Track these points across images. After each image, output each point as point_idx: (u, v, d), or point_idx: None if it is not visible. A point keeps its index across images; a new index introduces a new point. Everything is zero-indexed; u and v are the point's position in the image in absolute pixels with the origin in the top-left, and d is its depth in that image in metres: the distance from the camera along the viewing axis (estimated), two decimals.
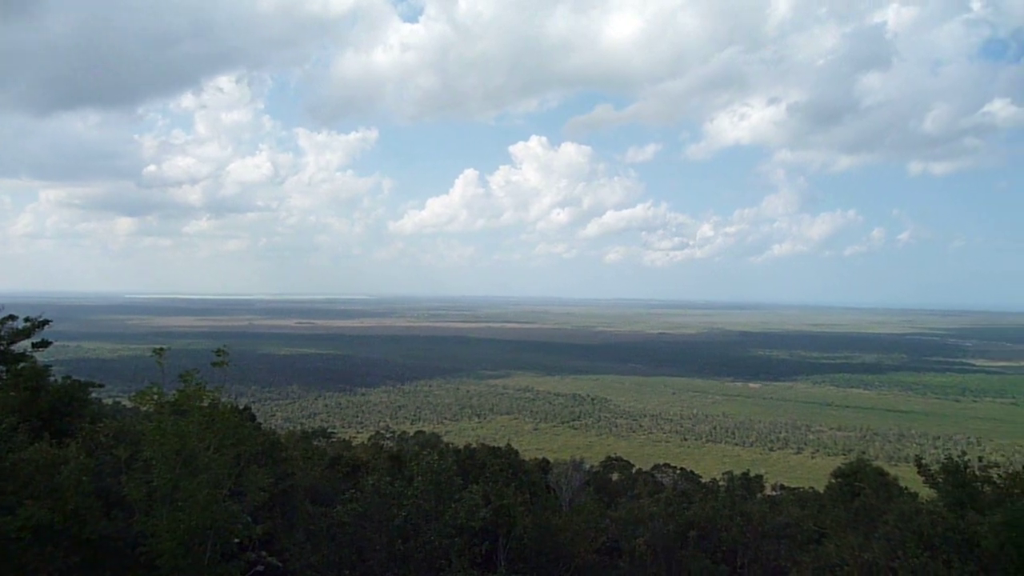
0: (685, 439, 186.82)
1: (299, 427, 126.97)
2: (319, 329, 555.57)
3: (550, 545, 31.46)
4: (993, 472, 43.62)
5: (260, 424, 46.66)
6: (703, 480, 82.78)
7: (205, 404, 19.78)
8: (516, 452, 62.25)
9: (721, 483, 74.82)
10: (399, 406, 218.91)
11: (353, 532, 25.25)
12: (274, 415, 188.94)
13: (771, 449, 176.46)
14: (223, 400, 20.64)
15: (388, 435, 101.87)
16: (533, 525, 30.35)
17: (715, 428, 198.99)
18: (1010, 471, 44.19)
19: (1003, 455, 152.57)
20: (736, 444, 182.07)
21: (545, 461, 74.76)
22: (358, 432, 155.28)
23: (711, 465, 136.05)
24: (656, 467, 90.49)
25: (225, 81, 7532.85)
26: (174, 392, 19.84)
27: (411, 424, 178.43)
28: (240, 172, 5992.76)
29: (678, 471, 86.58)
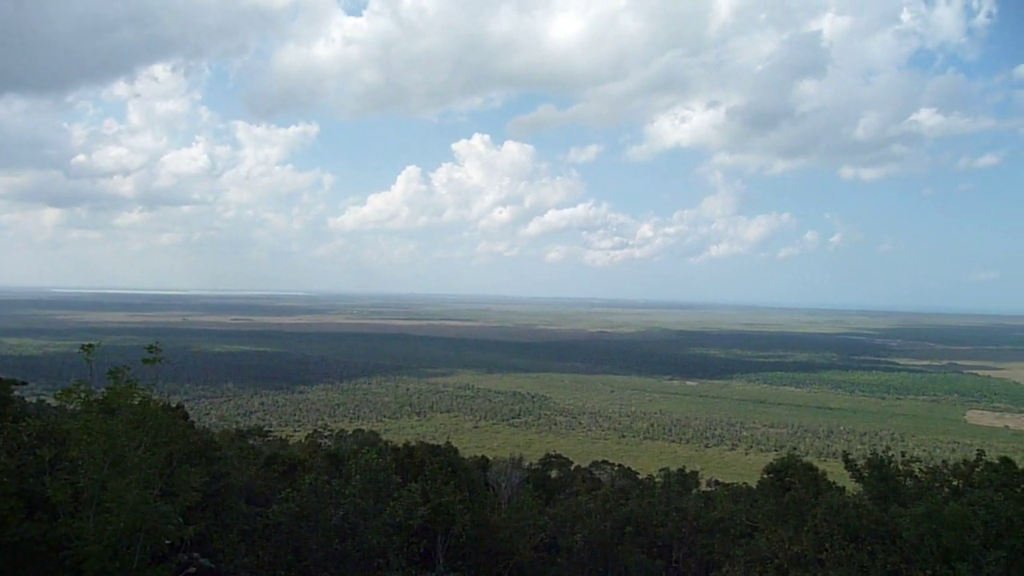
0: (623, 436, 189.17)
1: (234, 426, 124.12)
2: (256, 326, 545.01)
3: (489, 543, 31.59)
4: (915, 467, 45.43)
5: (193, 423, 45.60)
6: (640, 477, 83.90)
7: (136, 402, 19.27)
8: (455, 450, 62.20)
9: (658, 480, 75.96)
10: (338, 404, 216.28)
11: (289, 532, 24.93)
12: (208, 414, 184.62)
13: (707, 445, 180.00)
14: (154, 398, 20.13)
15: (326, 433, 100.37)
16: (472, 523, 30.41)
17: (653, 425, 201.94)
18: (930, 466, 46.04)
19: (924, 450, 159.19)
20: (673, 441, 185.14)
21: (484, 459, 74.86)
22: (295, 431, 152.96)
23: (648, 462, 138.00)
24: (594, 464, 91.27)
25: (161, 70, 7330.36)
26: (103, 390, 19.27)
27: (350, 422, 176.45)
28: (175, 164, 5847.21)
29: (616, 468, 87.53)
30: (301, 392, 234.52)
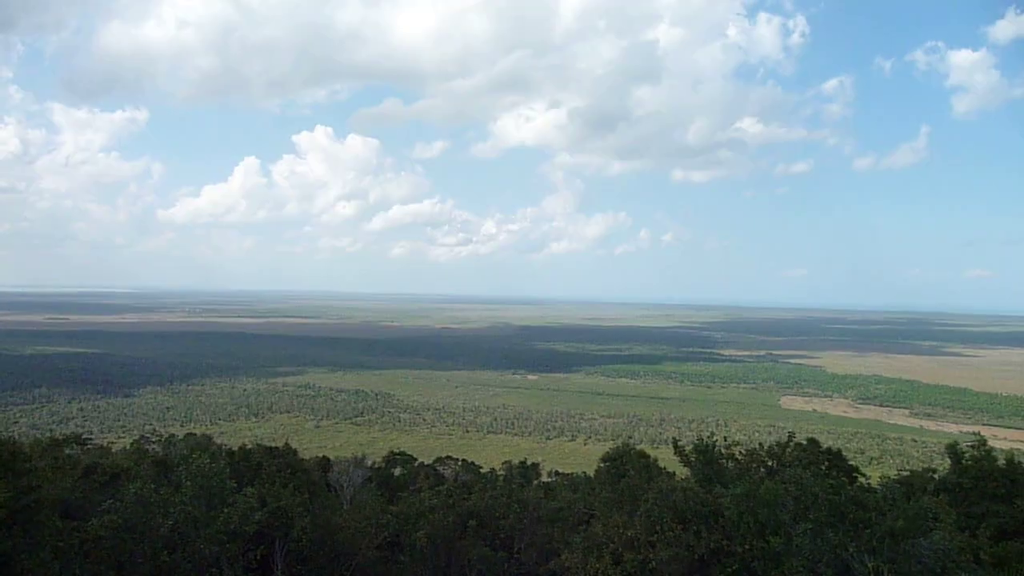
0: (467, 431, 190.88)
1: (48, 434, 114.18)
2: (74, 325, 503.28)
3: (330, 545, 31.00)
4: (736, 450, 49.02)
5: None
6: (484, 471, 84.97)
7: None
8: (295, 451, 60.55)
9: (500, 473, 77.35)
10: (167, 407, 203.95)
11: (112, 546, 23.33)
12: (17, 422, 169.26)
13: (548, 437, 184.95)
14: None
15: (154, 439, 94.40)
16: (312, 525, 29.74)
17: (496, 419, 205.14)
18: (749, 448, 49.90)
19: (745, 434, 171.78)
20: (515, 434, 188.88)
21: (326, 459, 73.43)
22: (119, 437, 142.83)
23: (492, 456, 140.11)
24: (438, 460, 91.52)
25: None
26: None
27: (181, 426, 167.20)
28: None
29: (459, 463, 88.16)
30: (126, 396, 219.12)
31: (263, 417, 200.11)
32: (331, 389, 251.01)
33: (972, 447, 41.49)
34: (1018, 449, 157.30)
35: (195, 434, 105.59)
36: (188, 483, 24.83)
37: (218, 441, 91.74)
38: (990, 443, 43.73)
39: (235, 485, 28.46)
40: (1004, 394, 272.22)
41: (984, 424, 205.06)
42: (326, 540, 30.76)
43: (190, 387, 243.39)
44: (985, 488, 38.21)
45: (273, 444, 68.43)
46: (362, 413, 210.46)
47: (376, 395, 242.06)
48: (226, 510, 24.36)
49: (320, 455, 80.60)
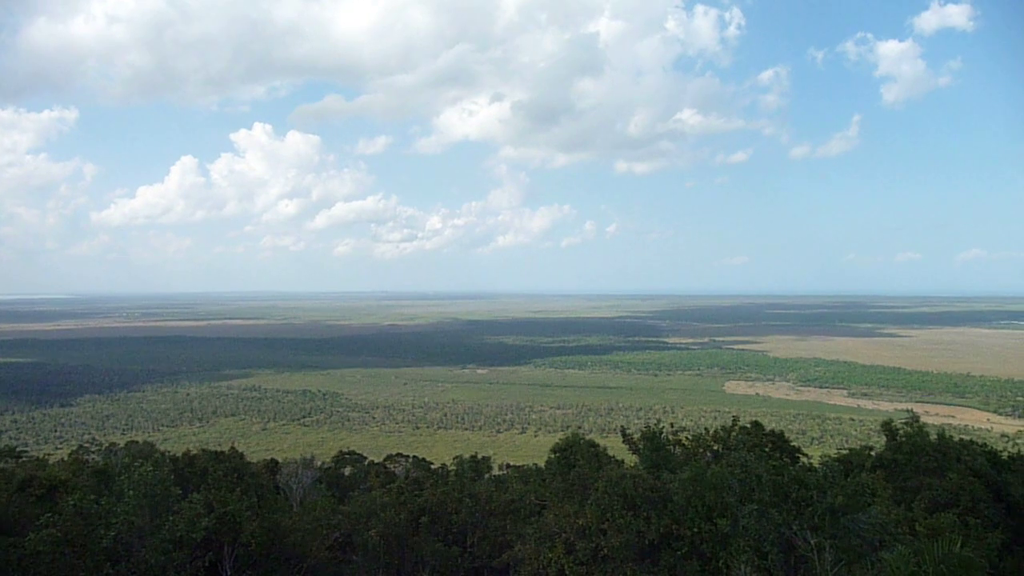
0: (417, 428, 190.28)
1: None
2: (5, 334, 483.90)
3: (279, 548, 30.61)
4: (682, 436, 50.02)
5: None
6: (435, 466, 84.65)
7: None
8: (242, 455, 59.63)
9: (451, 468, 77.06)
10: (107, 416, 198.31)
11: (51, 561, 22.63)
12: None
13: (499, 431, 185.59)
14: None
15: (93, 449, 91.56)
16: (261, 529, 29.33)
17: (446, 415, 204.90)
18: (695, 433, 50.91)
19: (691, 420, 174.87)
20: (466, 429, 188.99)
21: (274, 461, 72.37)
22: (57, 448, 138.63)
23: (443, 451, 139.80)
24: (389, 457, 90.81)
25: None
26: None
27: (122, 435, 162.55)
28: None
29: (410, 460, 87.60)
30: (64, 406, 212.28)
31: (208, 422, 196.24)
32: (278, 391, 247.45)
33: (906, 424, 43.12)
34: (948, 424, 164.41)
35: (137, 442, 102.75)
36: (131, 492, 24.21)
37: (161, 448, 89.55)
38: (922, 419, 45.50)
39: (180, 492, 27.90)
40: (934, 372, 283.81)
41: (917, 401, 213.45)
42: (275, 543, 30.37)
43: (131, 394, 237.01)
44: (918, 463, 39.75)
45: (219, 449, 67.17)
46: (310, 414, 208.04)
47: (324, 395, 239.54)
48: (171, 518, 23.85)
49: (268, 458, 79.32)
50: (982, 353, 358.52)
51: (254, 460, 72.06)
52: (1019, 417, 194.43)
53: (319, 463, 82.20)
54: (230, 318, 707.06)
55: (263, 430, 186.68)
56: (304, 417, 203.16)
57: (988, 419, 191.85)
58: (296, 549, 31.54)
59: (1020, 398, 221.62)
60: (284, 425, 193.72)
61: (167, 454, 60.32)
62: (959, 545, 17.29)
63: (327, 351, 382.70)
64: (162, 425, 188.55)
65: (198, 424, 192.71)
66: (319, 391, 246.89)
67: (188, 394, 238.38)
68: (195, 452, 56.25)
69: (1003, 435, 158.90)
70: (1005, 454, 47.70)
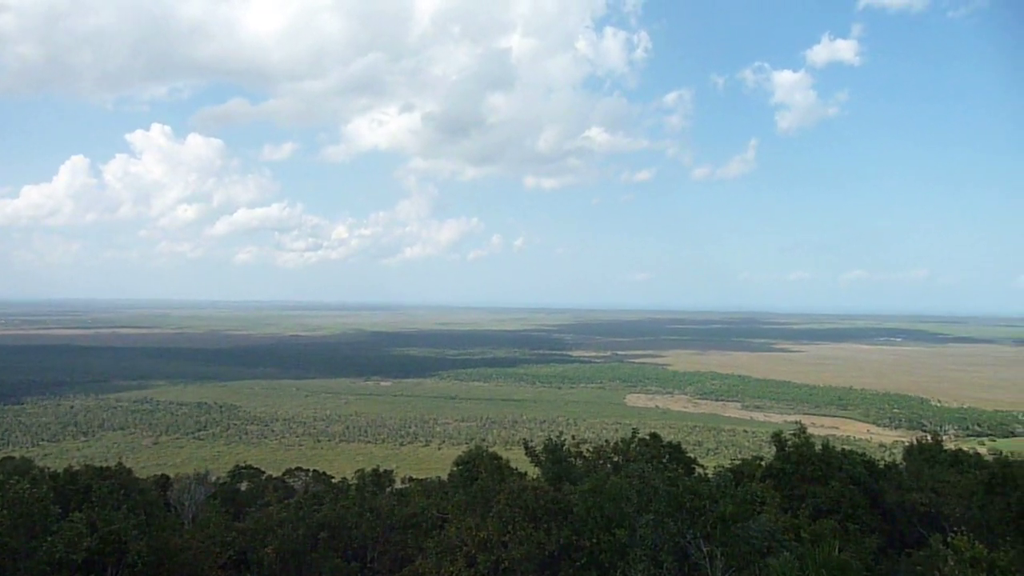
0: (319, 441, 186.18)
1: None
2: None
3: (169, 568, 29.41)
4: (584, 448, 50.88)
5: None
6: (335, 480, 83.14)
7: None
8: (129, 471, 56.92)
9: (352, 482, 75.84)
10: None
11: None
12: None
13: (402, 444, 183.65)
14: None
15: None
16: (148, 548, 28.07)
17: (348, 428, 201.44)
18: (596, 445, 51.90)
19: (593, 432, 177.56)
20: (369, 442, 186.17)
21: (165, 477, 69.73)
22: None
23: (344, 465, 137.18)
24: (288, 472, 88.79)
25: None
26: None
27: None
28: None
29: (310, 474, 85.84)
30: None
31: (93, 436, 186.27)
32: (171, 403, 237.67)
33: (794, 435, 45.15)
34: (832, 435, 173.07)
35: (13, 457, 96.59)
36: (4, 512, 22.80)
37: (40, 464, 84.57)
38: (809, 430, 47.80)
39: (60, 511, 26.47)
40: (821, 385, 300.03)
41: (804, 413, 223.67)
42: (165, 563, 29.14)
43: (7, 407, 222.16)
44: (804, 472, 41.72)
45: (104, 464, 63.84)
46: (205, 427, 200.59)
47: (221, 407, 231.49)
48: (50, 538, 22.61)
49: (159, 473, 76.36)
50: (863, 368, 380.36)
51: (143, 476, 68.94)
52: (895, 428, 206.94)
53: (214, 478, 79.49)
54: (121, 326, 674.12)
55: (154, 444, 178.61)
56: (199, 430, 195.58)
57: (868, 430, 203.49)
58: (187, 568, 30.40)
59: (896, 410, 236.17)
60: (177, 439, 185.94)
61: (46, 470, 56.99)
62: (838, 550, 18.30)
63: (225, 362, 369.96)
64: (42, 440, 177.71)
65: (83, 438, 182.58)
66: (216, 403, 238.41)
67: (72, 406, 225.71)
68: (78, 468, 53.28)
69: (881, 444, 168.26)
70: (882, 463, 50.83)
